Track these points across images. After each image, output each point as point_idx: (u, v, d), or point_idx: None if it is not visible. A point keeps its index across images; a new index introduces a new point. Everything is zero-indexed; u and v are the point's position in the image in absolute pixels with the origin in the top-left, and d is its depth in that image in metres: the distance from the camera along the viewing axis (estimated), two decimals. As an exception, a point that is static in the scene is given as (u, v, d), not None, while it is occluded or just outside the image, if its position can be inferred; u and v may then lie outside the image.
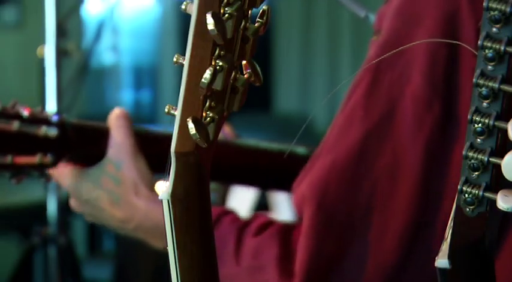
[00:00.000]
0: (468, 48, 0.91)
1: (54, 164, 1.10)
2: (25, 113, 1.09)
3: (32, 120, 1.09)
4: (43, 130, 1.08)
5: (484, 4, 0.59)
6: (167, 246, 0.69)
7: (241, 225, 1.03)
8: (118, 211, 1.08)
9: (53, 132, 1.09)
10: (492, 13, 0.58)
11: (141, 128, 1.15)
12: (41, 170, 1.12)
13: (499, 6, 0.57)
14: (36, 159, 1.09)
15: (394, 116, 0.92)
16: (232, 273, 0.99)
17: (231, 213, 1.07)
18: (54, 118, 1.10)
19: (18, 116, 1.08)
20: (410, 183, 0.91)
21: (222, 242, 1.00)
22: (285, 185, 1.34)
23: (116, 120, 1.11)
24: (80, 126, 1.13)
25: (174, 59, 0.65)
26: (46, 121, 1.09)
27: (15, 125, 1.07)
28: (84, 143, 1.12)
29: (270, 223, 1.03)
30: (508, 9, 0.57)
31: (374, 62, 0.94)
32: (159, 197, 0.67)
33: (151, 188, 1.08)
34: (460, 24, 0.92)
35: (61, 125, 1.10)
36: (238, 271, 0.99)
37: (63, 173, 1.11)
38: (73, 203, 1.14)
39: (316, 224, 0.93)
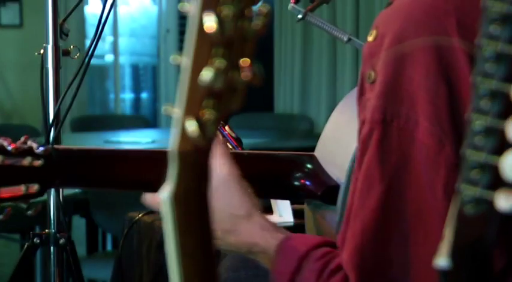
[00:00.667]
0: (467, 82, 0.91)
1: (41, 193, 1.09)
2: (9, 147, 1.08)
3: (16, 153, 1.08)
4: (28, 160, 1.08)
5: (483, 4, 0.59)
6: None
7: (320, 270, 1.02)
8: (231, 239, 1.10)
9: (37, 161, 1.08)
10: (491, 13, 0.58)
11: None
12: (27, 201, 1.11)
13: (497, 6, 0.57)
14: (21, 190, 1.08)
15: (408, 165, 0.93)
16: None
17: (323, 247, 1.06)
18: (39, 149, 1.09)
19: (2, 150, 1.07)
20: (438, 228, 0.91)
21: None
22: (278, 192, 1.34)
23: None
24: (65, 152, 1.13)
25: (174, 59, 0.65)
26: (31, 152, 1.09)
27: None
28: (70, 169, 1.12)
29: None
30: (506, 9, 0.57)
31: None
32: (159, 198, 0.67)
33: (260, 211, 1.10)
34: (453, 57, 0.92)
35: (47, 154, 1.09)
36: None
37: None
38: None
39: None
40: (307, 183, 1.22)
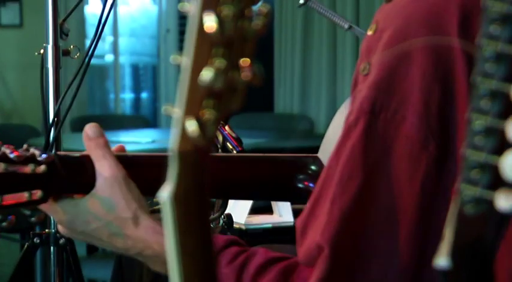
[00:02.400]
0: (464, 84, 0.91)
1: (44, 199, 1.09)
2: (11, 155, 1.08)
3: (19, 161, 1.08)
4: (31, 167, 1.08)
5: (483, 4, 0.59)
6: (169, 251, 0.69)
7: (240, 265, 1.03)
8: (117, 242, 1.10)
9: (40, 168, 1.08)
10: (491, 13, 0.58)
11: (120, 154, 1.15)
12: (31, 207, 1.11)
13: (497, 6, 0.57)
14: (25, 196, 1.08)
15: (390, 157, 0.93)
16: None
17: (231, 246, 1.07)
18: (42, 157, 1.09)
19: (4, 158, 1.07)
20: (408, 224, 0.92)
21: None
22: (282, 194, 1.34)
23: (95, 150, 1.10)
24: (68, 159, 1.13)
25: (174, 59, 0.65)
26: (33, 160, 1.09)
27: (1, 166, 1.07)
28: (73, 174, 1.12)
29: (270, 263, 1.03)
30: (506, 9, 0.57)
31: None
32: (160, 198, 0.67)
33: (148, 214, 1.10)
34: (452, 58, 0.92)
35: (48, 160, 1.09)
36: None
37: (54, 209, 1.12)
38: (65, 233, 1.15)
39: (330, 276, 0.93)
40: (311, 185, 1.22)
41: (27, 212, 1.11)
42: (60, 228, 1.14)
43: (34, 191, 1.08)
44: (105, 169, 1.09)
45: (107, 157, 1.09)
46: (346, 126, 0.96)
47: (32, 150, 1.09)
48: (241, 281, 1.03)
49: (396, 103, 0.93)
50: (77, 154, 1.14)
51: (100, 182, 1.09)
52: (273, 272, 1.02)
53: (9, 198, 1.07)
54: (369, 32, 0.99)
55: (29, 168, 1.07)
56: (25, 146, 1.11)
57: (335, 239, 0.94)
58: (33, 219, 1.12)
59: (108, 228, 1.09)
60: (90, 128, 1.11)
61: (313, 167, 1.22)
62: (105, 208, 1.09)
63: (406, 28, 0.94)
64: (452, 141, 0.92)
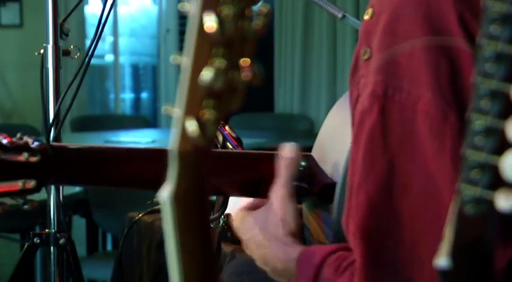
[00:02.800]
0: (465, 48, 0.91)
1: (37, 189, 1.09)
2: (4, 141, 1.08)
3: (11, 148, 1.08)
4: (24, 156, 1.08)
5: (483, 4, 0.59)
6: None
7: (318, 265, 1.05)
8: (258, 253, 1.14)
9: (34, 157, 1.08)
10: (491, 13, 0.58)
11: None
12: (24, 196, 1.11)
13: (497, 6, 0.57)
14: (18, 185, 1.08)
15: (414, 137, 0.92)
16: None
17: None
18: (35, 144, 1.09)
19: None
20: (448, 202, 0.91)
21: None
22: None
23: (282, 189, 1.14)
24: (61, 149, 1.13)
25: (174, 59, 0.65)
26: (27, 147, 1.09)
27: None
28: (66, 165, 1.12)
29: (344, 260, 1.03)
30: (506, 9, 0.57)
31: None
32: (160, 198, 0.67)
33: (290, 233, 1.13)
34: (450, 30, 0.92)
35: (42, 149, 1.09)
36: None
37: (237, 216, 1.18)
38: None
39: (368, 266, 0.94)
40: (304, 182, 1.22)
41: (20, 200, 1.11)
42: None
43: (28, 181, 1.08)
44: (282, 206, 1.14)
45: (287, 197, 1.14)
46: (358, 115, 0.95)
47: (25, 138, 1.09)
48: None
49: (408, 84, 0.92)
50: (72, 146, 1.15)
51: (275, 207, 1.14)
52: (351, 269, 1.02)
53: (2, 186, 1.07)
54: (366, 17, 0.99)
55: (22, 157, 1.07)
56: (19, 134, 1.11)
57: (364, 223, 0.94)
58: (26, 207, 1.12)
59: (255, 239, 1.14)
60: (288, 158, 1.16)
61: (303, 163, 1.22)
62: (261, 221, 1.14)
63: (403, 9, 0.95)
64: (467, 109, 0.91)
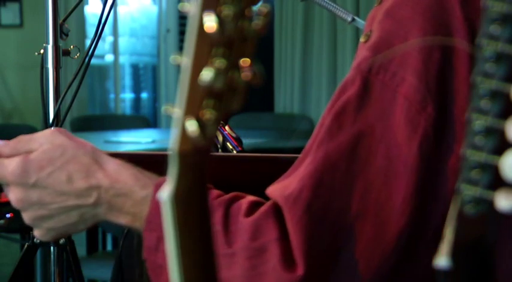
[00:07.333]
0: (463, 48, 0.91)
1: None
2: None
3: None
4: None
5: (483, 4, 0.59)
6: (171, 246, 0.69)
7: (228, 202, 0.99)
8: (79, 183, 1.04)
9: None
10: (491, 13, 0.58)
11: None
12: None
13: (497, 6, 0.58)
14: None
15: (387, 118, 0.92)
16: (222, 254, 0.95)
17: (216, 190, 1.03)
18: None
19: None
20: (406, 186, 0.90)
21: None
22: None
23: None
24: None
25: (174, 59, 0.65)
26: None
27: None
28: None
29: (259, 202, 0.99)
30: (506, 9, 0.57)
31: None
32: (160, 199, 0.67)
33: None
34: (452, 24, 0.92)
35: None
36: (228, 252, 0.95)
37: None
38: (17, 195, 1.06)
39: (306, 224, 0.91)
40: None
41: None
42: (10, 194, 1.06)
43: None
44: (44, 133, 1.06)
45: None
46: (342, 84, 0.96)
47: None
48: (230, 217, 0.97)
49: (395, 66, 0.93)
50: None
51: (45, 136, 1.06)
52: (267, 207, 0.97)
53: (6, 195, 1.06)
54: (376, 5, 1.00)
55: None
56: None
57: (316, 176, 0.92)
58: None
59: (66, 173, 1.04)
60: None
61: None
62: (58, 151, 1.05)
63: None
64: (450, 105, 0.91)
